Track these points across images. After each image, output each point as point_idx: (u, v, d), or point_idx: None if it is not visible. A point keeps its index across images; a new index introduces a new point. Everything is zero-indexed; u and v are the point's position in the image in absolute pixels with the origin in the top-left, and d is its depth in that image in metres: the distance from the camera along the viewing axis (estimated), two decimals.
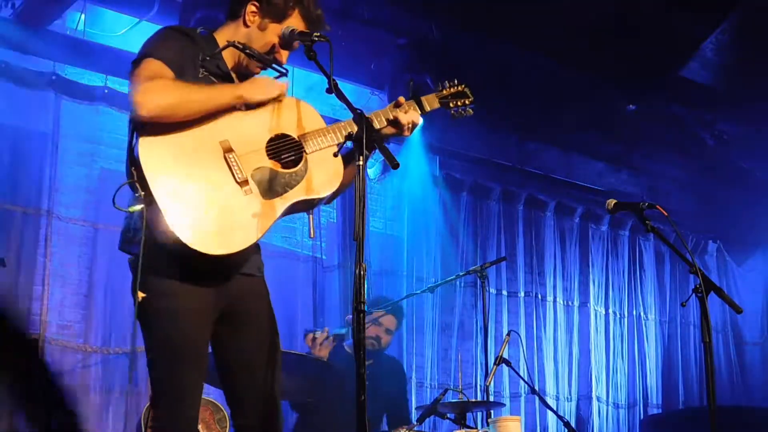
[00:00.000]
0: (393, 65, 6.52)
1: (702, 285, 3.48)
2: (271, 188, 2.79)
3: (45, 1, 5.43)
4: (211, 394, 4.85)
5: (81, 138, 5.78)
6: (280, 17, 3.00)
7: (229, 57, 3.01)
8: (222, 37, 3.02)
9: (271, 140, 2.86)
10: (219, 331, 2.88)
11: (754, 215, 8.71)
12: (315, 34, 2.90)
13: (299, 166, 2.86)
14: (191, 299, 2.75)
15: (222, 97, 2.79)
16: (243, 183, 2.75)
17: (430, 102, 3.26)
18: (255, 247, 2.95)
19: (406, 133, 3.05)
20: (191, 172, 2.71)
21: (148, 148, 2.67)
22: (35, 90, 5.64)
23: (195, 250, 2.62)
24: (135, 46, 6.12)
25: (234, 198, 2.73)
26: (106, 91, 5.86)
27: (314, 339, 5.09)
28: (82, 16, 5.84)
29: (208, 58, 2.91)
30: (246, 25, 3.02)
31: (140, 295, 2.64)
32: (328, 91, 2.81)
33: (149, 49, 2.84)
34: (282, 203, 2.80)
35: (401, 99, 3.11)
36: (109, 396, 5.57)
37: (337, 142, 2.90)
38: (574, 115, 7.44)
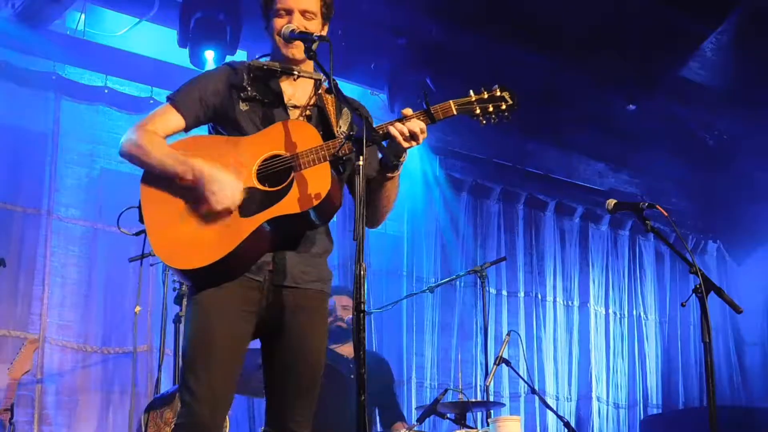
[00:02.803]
0: (393, 65, 6.52)
1: (702, 285, 3.48)
2: (250, 207, 2.84)
3: (45, 1, 5.43)
4: None
5: (81, 138, 5.78)
6: (268, 9, 3.04)
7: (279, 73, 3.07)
8: (267, 59, 3.09)
9: (264, 160, 2.89)
10: (264, 341, 3.00)
11: (754, 215, 8.71)
12: (315, 34, 2.90)
13: (284, 184, 2.86)
14: (214, 308, 2.85)
15: (171, 171, 2.89)
16: None
17: (444, 110, 2.97)
18: (305, 256, 2.95)
19: (404, 143, 2.88)
20: (177, 197, 2.89)
21: (148, 179, 2.93)
22: (35, 90, 5.65)
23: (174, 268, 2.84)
24: (135, 46, 6.16)
25: (209, 217, 2.85)
26: (106, 91, 5.87)
27: None
28: (82, 16, 5.85)
29: (252, 83, 3.00)
30: (270, 35, 3.08)
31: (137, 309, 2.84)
32: (328, 91, 2.81)
33: (174, 93, 3.03)
34: (255, 221, 2.83)
35: (406, 111, 2.94)
36: (109, 396, 5.57)
37: (328, 159, 2.88)
38: (574, 115, 7.44)
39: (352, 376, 5.12)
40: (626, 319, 8.49)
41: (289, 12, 2.99)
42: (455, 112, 2.99)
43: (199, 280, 2.86)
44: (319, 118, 3.04)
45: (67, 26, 5.88)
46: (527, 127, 7.53)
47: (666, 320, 8.81)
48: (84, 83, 5.84)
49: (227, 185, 2.83)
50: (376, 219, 3.16)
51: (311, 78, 3.07)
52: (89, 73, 5.89)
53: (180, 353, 2.98)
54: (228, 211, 2.83)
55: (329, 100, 3.07)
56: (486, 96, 3.04)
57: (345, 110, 3.09)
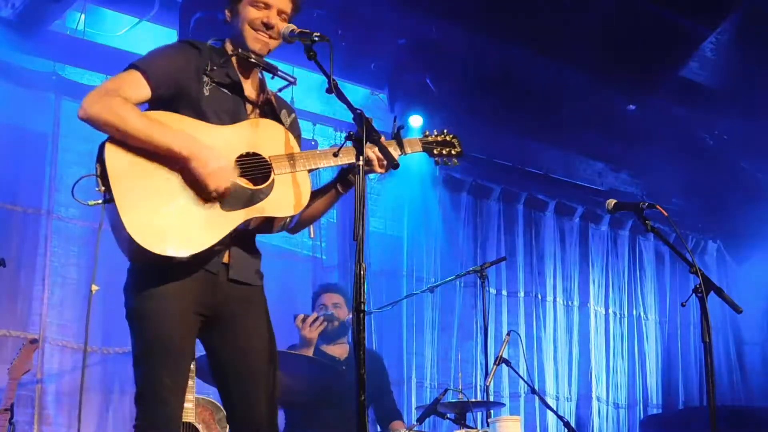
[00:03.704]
0: (393, 65, 6.52)
1: (702, 285, 3.49)
2: (233, 201, 2.82)
3: (45, 1, 5.43)
4: (210, 394, 4.85)
5: (81, 138, 5.76)
6: None
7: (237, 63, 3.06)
8: (229, 45, 3.06)
9: (240, 156, 2.87)
10: (209, 338, 2.93)
11: (754, 215, 8.71)
12: (315, 34, 2.90)
13: (265, 184, 2.87)
14: (173, 302, 2.79)
15: (161, 143, 2.77)
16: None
17: (412, 144, 3.25)
18: (251, 255, 2.98)
19: (378, 169, 3.00)
20: (153, 175, 2.77)
21: (115, 148, 2.78)
22: (35, 90, 5.64)
23: (147, 250, 2.70)
24: (135, 46, 6.16)
25: (192, 204, 2.78)
26: None
27: (304, 320, 5.11)
28: (82, 16, 5.84)
29: (215, 68, 2.95)
30: (231, 24, 3.07)
31: (93, 288, 2.76)
32: (328, 91, 2.82)
33: (141, 60, 2.92)
34: (240, 216, 2.83)
35: (382, 139, 3.04)
36: (109, 396, 5.57)
37: (308, 168, 2.92)
38: (574, 115, 7.43)
39: (345, 378, 5.11)
40: (626, 319, 8.49)
41: (268, 6, 3.00)
42: (420, 149, 3.29)
43: (162, 269, 2.76)
44: (271, 116, 3.07)
45: (67, 26, 5.88)
46: (527, 127, 7.53)
47: (666, 320, 8.81)
48: (84, 83, 5.83)
49: (223, 168, 2.79)
50: (302, 227, 3.19)
51: (286, 79, 3.11)
52: (89, 73, 5.89)
53: (135, 350, 2.86)
54: (219, 195, 2.77)
55: (272, 100, 3.11)
56: (440, 138, 3.34)
57: (284, 111, 3.16)
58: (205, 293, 2.85)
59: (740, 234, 9.15)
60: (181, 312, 2.80)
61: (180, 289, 2.79)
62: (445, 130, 3.38)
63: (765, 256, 9.04)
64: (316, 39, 2.88)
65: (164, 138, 2.76)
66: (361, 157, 2.71)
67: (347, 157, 2.97)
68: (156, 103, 2.89)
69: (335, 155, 2.93)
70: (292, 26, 2.98)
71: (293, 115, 3.21)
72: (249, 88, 3.06)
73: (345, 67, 6.13)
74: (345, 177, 3.07)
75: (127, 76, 2.87)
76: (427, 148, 3.31)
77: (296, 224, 3.13)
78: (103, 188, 2.75)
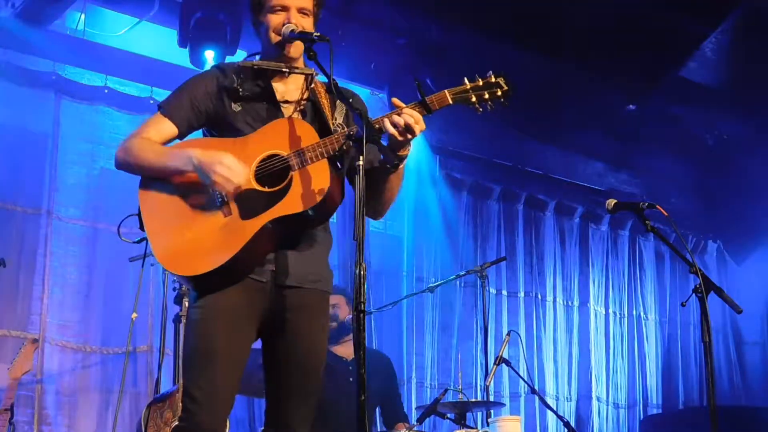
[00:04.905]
0: (393, 65, 6.52)
1: (702, 285, 3.48)
2: (250, 209, 2.82)
3: (45, 1, 5.44)
4: None
5: (81, 138, 5.78)
6: (261, 6, 3.04)
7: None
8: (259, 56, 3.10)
9: (262, 161, 2.86)
10: (264, 341, 2.98)
11: (754, 215, 8.71)
12: (315, 34, 2.89)
13: (283, 184, 2.84)
14: (218, 313, 2.83)
15: (171, 167, 2.88)
16: (223, 206, 2.84)
17: (439, 100, 2.90)
18: (305, 256, 2.94)
19: (399, 137, 2.83)
20: (173, 200, 2.89)
21: (144, 188, 2.93)
22: (35, 90, 5.65)
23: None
24: (135, 46, 6.16)
25: (212, 222, 2.83)
26: (106, 91, 5.87)
27: None
28: (82, 16, 5.85)
29: (242, 83, 2.99)
30: (259, 36, 3.09)
31: (134, 315, 2.86)
32: (328, 90, 2.81)
33: (164, 101, 3.03)
34: (258, 222, 2.81)
35: (397, 101, 2.92)
36: (109, 396, 5.57)
37: (326, 156, 2.85)
38: (574, 115, 7.44)
39: (351, 379, 5.12)
40: (626, 319, 8.49)
41: (285, 9, 2.98)
42: (451, 102, 2.91)
43: (204, 285, 2.84)
44: (313, 112, 3.02)
45: (67, 26, 5.88)
46: (527, 127, 7.53)
47: (666, 320, 8.81)
48: (84, 83, 5.84)
49: (232, 163, 2.80)
50: (380, 210, 3.08)
51: (303, 74, 3.05)
52: (89, 73, 5.89)
53: (181, 356, 2.95)
54: (238, 189, 2.79)
55: (322, 93, 3.05)
56: (481, 83, 2.95)
57: (340, 101, 3.06)
58: (255, 302, 2.87)
59: (740, 234, 9.15)
60: (226, 323, 2.83)
61: (225, 301, 2.83)
62: (491, 72, 2.96)
63: (765, 256, 9.04)
64: (316, 39, 2.86)
65: (174, 161, 2.86)
66: (361, 157, 2.69)
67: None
68: (203, 130, 3.04)
69: (337, 151, 2.90)
70: (292, 26, 2.96)
71: (351, 100, 2.95)
72: (286, 91, 3.04)
73: (345, 67, 6.14)
74: (384, 151, 2.94)
75: (152, 118, 3.02)
76: (460, 98, 2.91)
77: (374, 207, 3.04)
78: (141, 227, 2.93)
